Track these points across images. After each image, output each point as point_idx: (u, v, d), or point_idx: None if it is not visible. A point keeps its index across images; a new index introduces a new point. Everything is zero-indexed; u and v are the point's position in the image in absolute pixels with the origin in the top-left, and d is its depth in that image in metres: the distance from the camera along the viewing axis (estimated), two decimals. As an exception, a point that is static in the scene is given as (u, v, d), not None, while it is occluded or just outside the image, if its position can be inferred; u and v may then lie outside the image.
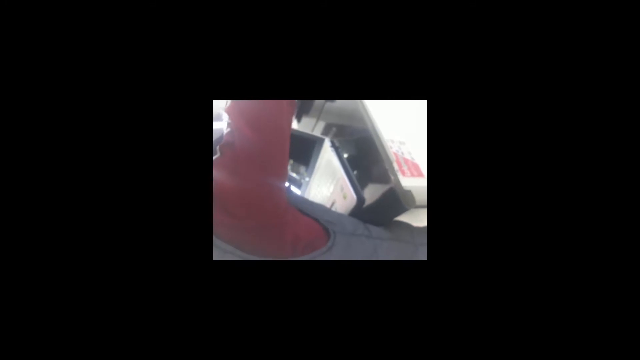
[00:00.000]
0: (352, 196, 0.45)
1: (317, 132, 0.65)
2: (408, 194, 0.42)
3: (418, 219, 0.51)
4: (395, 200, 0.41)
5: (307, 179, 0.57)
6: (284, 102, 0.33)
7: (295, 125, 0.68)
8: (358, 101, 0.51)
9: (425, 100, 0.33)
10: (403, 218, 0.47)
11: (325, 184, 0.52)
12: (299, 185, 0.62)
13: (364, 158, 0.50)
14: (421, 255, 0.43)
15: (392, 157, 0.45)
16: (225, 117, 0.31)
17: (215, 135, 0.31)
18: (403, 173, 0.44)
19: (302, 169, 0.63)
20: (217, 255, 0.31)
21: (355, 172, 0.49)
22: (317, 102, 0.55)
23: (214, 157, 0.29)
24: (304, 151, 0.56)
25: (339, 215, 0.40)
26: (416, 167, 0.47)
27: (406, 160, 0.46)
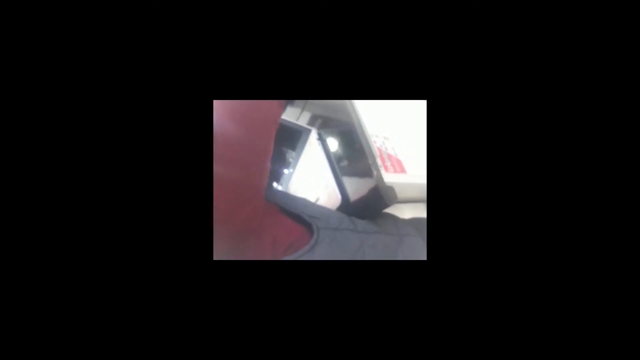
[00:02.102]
0: (337, 195, 0.45)
1: (302, 123, 0.64)
2: (390, 190, 0.43)
3: (401, 213, 0.53)
4: (378, 197, 0.42)
5: (290, 169, 0.57)
6: (274, 102, 0.32)
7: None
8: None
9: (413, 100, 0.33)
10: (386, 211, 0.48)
11: (311, 177, 0.52)
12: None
13: (348, 151, 0.50)
14: (406, 246, 0.44)
15: (376, 153, 0.46)
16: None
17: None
18: (386, 169, 0.45)
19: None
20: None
21: (340, 164, 0.50)
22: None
23: None
24: (289, 141, 0.56)
25: (323, 209, 0.41)
26: (399, 163, 0.48)
27: (390, 156, 0.47)
